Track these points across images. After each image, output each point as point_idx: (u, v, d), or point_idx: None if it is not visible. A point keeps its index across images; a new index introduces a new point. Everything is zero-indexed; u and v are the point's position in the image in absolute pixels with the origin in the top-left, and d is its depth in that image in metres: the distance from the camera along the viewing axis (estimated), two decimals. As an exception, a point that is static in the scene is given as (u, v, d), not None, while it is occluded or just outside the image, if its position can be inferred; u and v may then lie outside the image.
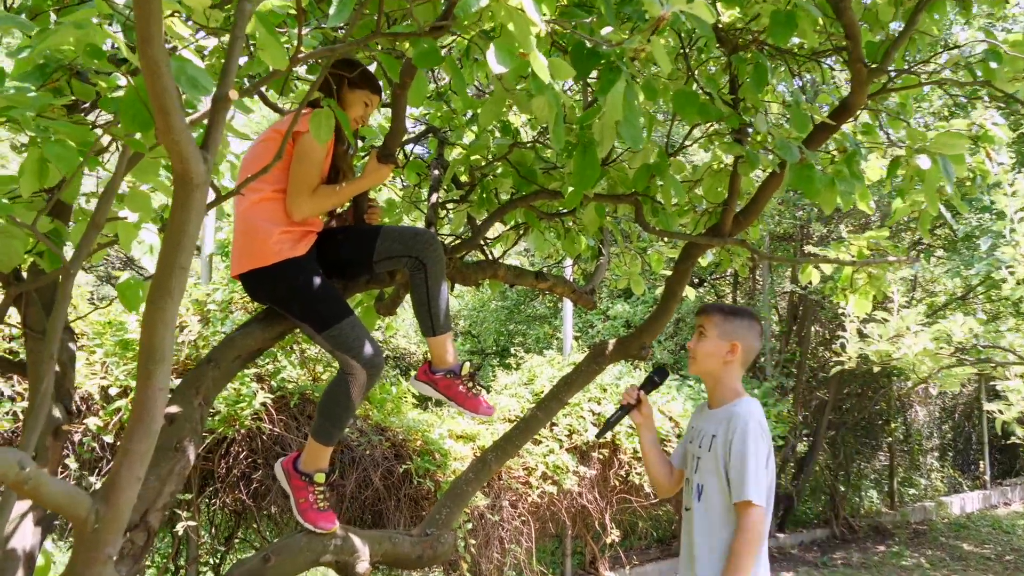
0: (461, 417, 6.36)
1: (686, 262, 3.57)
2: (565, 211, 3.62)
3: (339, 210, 3.20)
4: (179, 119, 1.37)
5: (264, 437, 5.23)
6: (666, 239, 4.29)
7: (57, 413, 2.61)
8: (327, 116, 2.22)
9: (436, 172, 3.79)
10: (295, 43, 1.75)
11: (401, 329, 11.67)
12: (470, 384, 2.95)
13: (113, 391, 5.02)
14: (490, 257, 3.77)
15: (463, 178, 3.71)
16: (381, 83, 3.07)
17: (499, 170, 3.57)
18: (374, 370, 2.77)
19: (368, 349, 2.74)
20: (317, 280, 2.74)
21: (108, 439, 4.91)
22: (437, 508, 3.25)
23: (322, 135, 2.24)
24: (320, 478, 2.86)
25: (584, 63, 2.20)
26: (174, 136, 1.37)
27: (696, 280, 11.37)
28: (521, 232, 4.09)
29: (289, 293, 2.74)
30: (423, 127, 4.16)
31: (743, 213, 3.44)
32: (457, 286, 3.61)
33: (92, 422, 4.86)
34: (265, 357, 5.34)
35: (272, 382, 5.38)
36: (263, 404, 5.17)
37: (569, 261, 6.98)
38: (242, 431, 5.16)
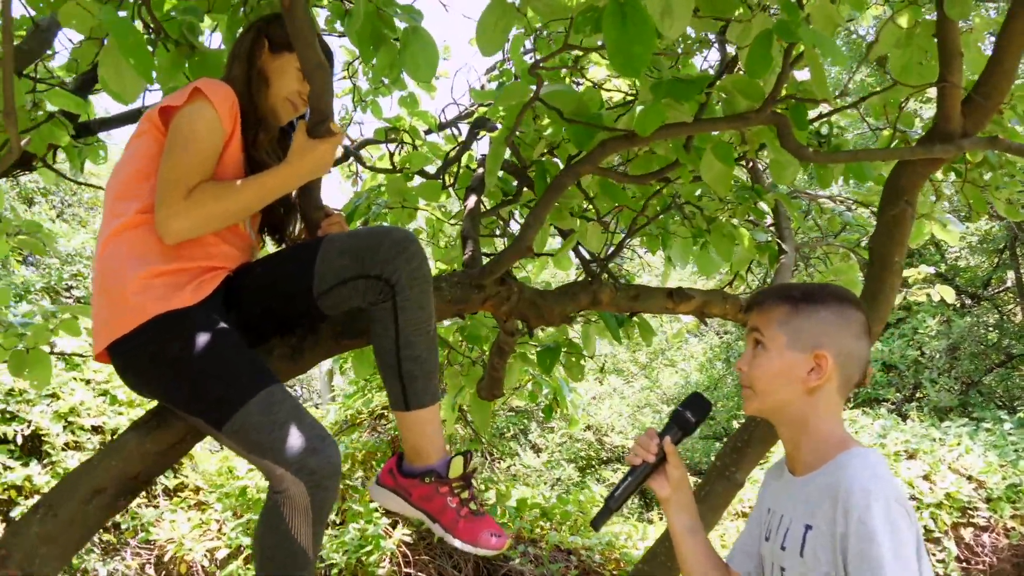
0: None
1: (895, 205, 2.03)
2: (661, 171, 2.21)
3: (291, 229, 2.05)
4: None
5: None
6: (844, 174, 2.70)
7: None
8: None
9: (479, 171, 2.56)
10: None
11: (590, 407, 10.26)
12: (465, 495, 1.68)
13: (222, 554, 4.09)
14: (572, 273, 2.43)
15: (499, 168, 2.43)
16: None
17: (548, 131, 2.26)
18: (315, 477, 1.55)
19: (296, 442, 1.53)
20: (207, 342, 1.59)
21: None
22: None
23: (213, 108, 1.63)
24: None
25: None
26: None
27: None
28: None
29: (160, 370, 1.60)
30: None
31: (980, 90, 1.89)
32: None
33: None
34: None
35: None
36: (400, 544, 3.99)
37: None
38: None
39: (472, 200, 2.40)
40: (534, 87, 2.11)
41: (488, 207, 2.67)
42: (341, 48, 3.92)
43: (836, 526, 1.27)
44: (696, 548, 1.59)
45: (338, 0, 2.58)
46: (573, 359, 3.53)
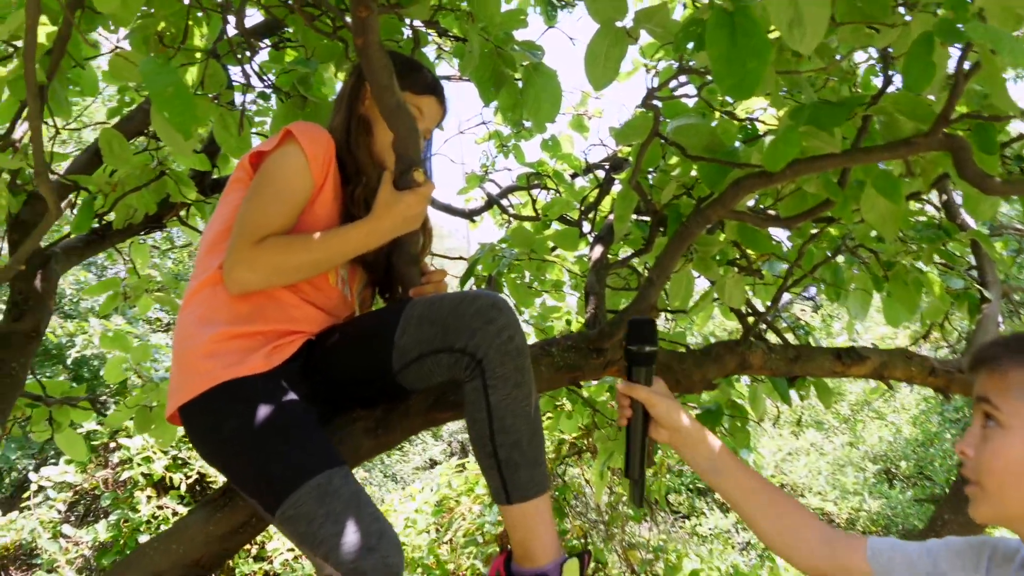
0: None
1: None
2: (813, 212, 1.84)
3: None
4: None
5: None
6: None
7: None
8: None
9: (610, 218, 2.31)
10: None
11: (783, 463, 9.42)
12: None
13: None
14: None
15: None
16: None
17: (677, 170, 1.97)
18: None
19: (350, 539, 1.34)
20: (269, 415, 1.45)
21: None
22: None
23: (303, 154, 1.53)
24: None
25: None
26: None
27: None
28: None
29: (217, 442, 1.48)
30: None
31: None
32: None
33: None
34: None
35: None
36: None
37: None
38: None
39: (598, 250, 2.15)
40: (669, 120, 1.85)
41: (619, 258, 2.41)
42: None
43: None
44: (734, 488, 1.34)
45: (459, 41, 2.44)
46: (738, 423, 3.15)
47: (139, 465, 4.66)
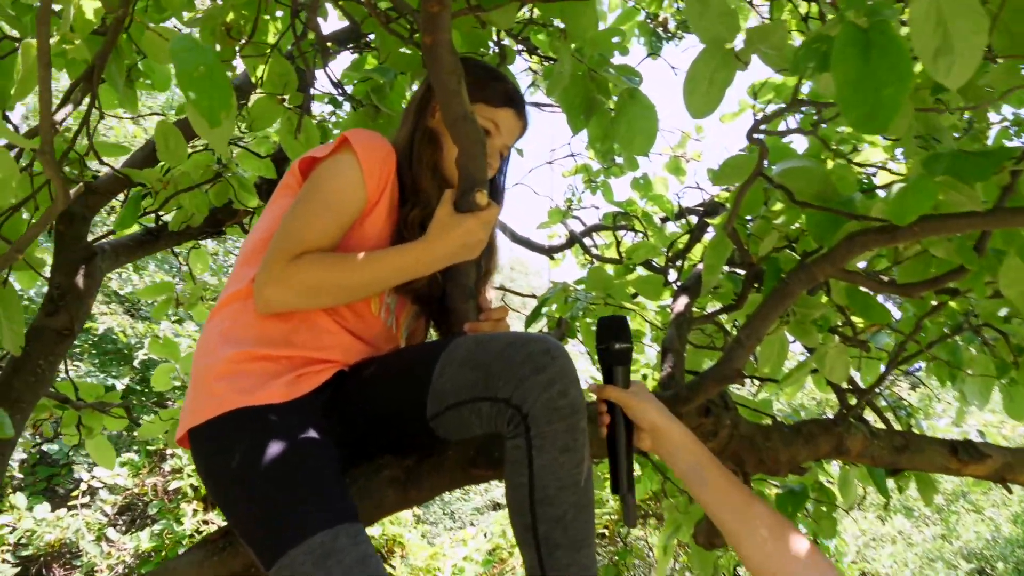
0: None
1: None
2: (940, 280, 1.56)
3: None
4: None
5: None
6: None
7: None
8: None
9: (699, 267, 2.07)
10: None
11: (866, 549, 8.72)
12: None
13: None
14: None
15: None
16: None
17: (781, 218, 1.72)
18: None
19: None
20: (279, 453, 1.27)
21: None
22: None
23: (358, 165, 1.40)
24: None
25: None
26: None
27: None
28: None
29: (218, 477, 1.30)
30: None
31: None
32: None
33: None
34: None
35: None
36: None
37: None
38: None
39: (682, 302, 1.91)
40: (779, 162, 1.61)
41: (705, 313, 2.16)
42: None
43: None
44: (718, 501, 1.20)
45: (550, 61, 2.27)
46: (823, 508, 2.83)
47: (188, 476, 4.59)
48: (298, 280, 1.34)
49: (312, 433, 1.30)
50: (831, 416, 1.98)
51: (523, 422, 1.22)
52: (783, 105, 1.63)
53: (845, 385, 2.25)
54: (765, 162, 1.56)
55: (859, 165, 1.75)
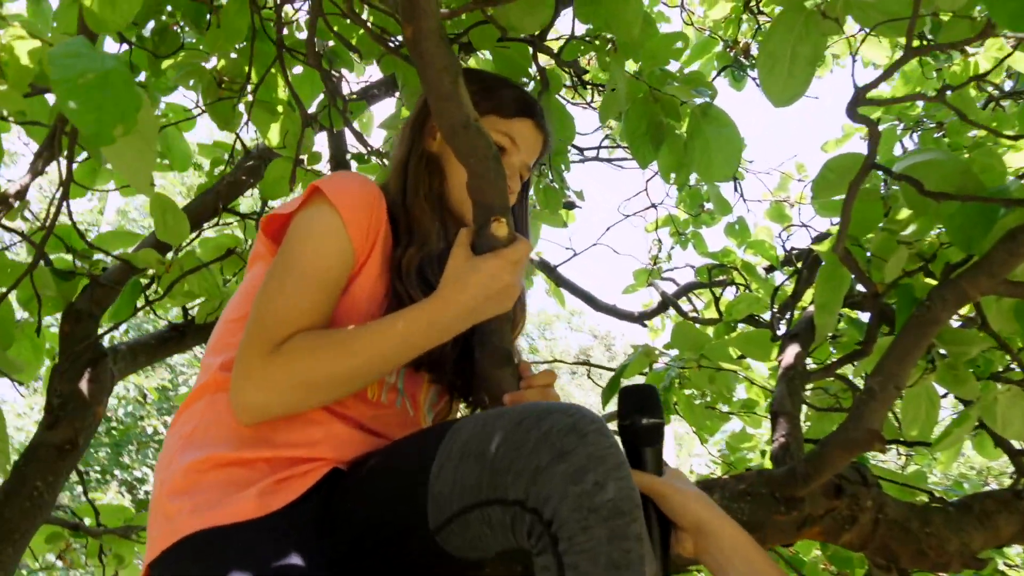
0: None
1: None
2: None
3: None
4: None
5: None
6: None
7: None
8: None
9: (809, 310, 1.68)
10: None
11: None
12: None
13: None
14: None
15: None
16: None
17: (911, 228, 1.32)
18: None
19: None
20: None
21: None
22: None
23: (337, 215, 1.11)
24: None
25: None
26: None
27: None
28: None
29: None
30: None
31: None
32: None
33: None
34: None
35: None
36: None
37: None
38: None
39: (791, 354, 1.51)
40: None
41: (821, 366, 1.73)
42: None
43: None
44: None
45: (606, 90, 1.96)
46: (1011, 606, 2.27)
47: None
48: (280, 377, 1.02)
49: (296, 559, 0.97)
50: (1006, 488, 1.52)
51: (546, 532, 0.84)
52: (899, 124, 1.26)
53: (1020, 444, 1.77)
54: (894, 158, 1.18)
55: (1008, 138, 1.34)
